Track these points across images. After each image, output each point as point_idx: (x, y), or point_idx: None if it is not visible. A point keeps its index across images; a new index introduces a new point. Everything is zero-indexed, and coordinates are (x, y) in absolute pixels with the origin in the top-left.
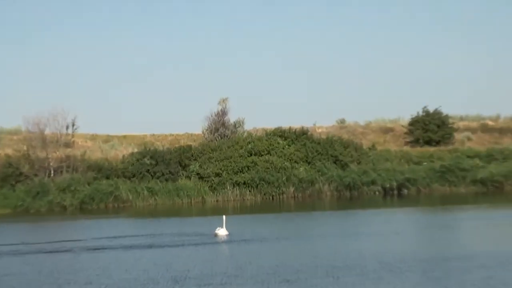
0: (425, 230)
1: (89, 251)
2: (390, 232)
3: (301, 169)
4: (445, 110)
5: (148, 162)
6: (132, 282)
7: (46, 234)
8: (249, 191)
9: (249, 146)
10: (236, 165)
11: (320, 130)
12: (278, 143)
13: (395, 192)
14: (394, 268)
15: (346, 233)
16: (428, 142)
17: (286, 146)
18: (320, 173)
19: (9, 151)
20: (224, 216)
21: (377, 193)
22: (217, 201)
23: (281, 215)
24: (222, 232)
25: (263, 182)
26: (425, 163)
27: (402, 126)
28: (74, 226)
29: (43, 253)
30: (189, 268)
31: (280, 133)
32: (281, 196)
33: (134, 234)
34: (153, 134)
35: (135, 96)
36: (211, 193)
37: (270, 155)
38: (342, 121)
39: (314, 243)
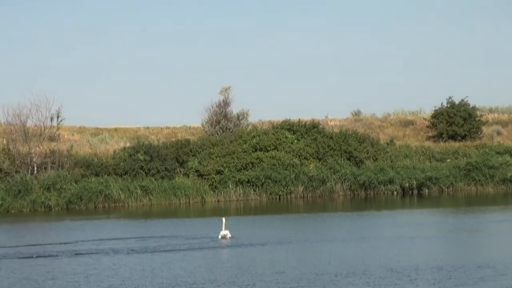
0: (445, 234)
1: (72, 255)
2: (405, 236)
3: (311, 166)
4: (472, 102)
5: (141, 157)
6: None
7: (26, 237)
8: (254, 190)
9: (254, 140)
10: (240, 162)
11: (332, 123)
12: (286, 137)
13: (415, 192)
14: (403, 276)
15: (356, 236)
16: (453, 137)
17: (295, 141)
18: (332, 170)
19: None
20: (223, 218)
21: (395, 193)
22: (218, 201)
23: (288, 216)
24: (228, 234)
25: (269, 181)
26: (448, 160)
27: (424, 119)
28: (57, 228)
29: (21, 258)
30: (178, 275)
31: (289, 126)
32: (288, 196)
33: (124, 237)
34: (147, 127)
35: (127, 85)
36: (212, 192)
37: (277, 150)
38: (357, 113)
39: (319, 248)
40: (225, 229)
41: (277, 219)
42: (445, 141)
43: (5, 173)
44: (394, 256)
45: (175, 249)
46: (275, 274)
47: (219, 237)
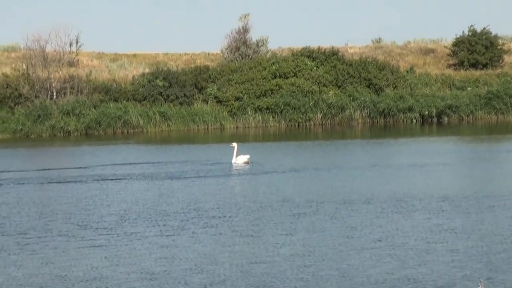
0: (458, 163)
1: (83, 181)
2: (417, 164)
3: (331, 93)
4: (494, 30)
5: (160, 83)
6: (113, 217)
7: (40, 162)
8: (273, 117)
9: (273, 67)
10: (259, 88)
11: (352, 51)
12: (306, 64)
13: (434, 120)
14: (408, 205)
15: (368, 164)
16: (474, 65)
17: (314, 68)
18: (351, 98)
19: (6, 70)
20: (235, 144)
21: (414, 121)
22: (237, 127)
23: (303, 143)
24: (243, 159)
25: (288, 108)
26: (469, 89)
27: (445, 47)
28: (73, 153)
29: (35, 183)
30: (184, 201)
31: (308, 54)
32: (307, 123)
33: (139, 162)
34: (166, 53)
35: (145, 10)
36: (231, 118)
37: (297, 77)
38: (378, 41)
39: (330, 175)
40: (242, 154)
41: (293, 146)
42: (466, 70)
43: (24, 98)
44: (403, 185)
45: (187, 176)
46: (281, 201)
47: (239, 162)
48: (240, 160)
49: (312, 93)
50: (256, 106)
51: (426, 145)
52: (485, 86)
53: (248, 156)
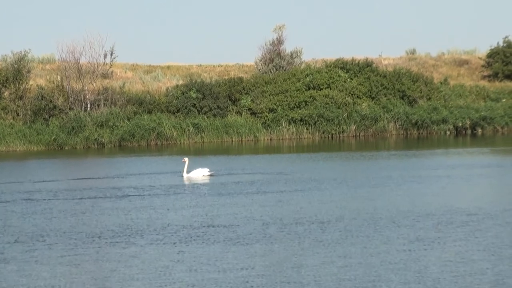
0: (491, 176)
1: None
2: (449, 176)
3: (364, 105)
4: None
5: (194, 95)
6: (111, 230)
7: (73, 173)
8: (307, 129)
9: (307, 79)
10: (293, 100)
11: (386, 62)
12: (339, 76)
13: (468, 132)
14: (412, 221)
15: (392, 176)
16: (509, 77)
17: (348, 80)
18: (385, 109)
19: (41, 81)
20: (186, 159)
21: (448, 132)
22: (270, 139)
23: (333, 154)
24: (197, 174)
25: (321, 119)
26: (504, 100)
27: (479, 58)
28: (96, 165)
29: (64, 197)
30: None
31: (342, 65)
32: (341, 135)
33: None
34: (200, 65)
35: (180, 22)
36: (264, 130)
37: (330, 89)
38: (412, 52)
39: (349, 189)
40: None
41: (315, 157)
42: (500, 81)
43: (59, 110)
44: (426, 199)
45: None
46: (277, 219)
47: (194, 176)
48: (195, 174)
49: (346, 104)
50: (290, 117)
51: (462, 158)
52: None
53: (207, 170)
